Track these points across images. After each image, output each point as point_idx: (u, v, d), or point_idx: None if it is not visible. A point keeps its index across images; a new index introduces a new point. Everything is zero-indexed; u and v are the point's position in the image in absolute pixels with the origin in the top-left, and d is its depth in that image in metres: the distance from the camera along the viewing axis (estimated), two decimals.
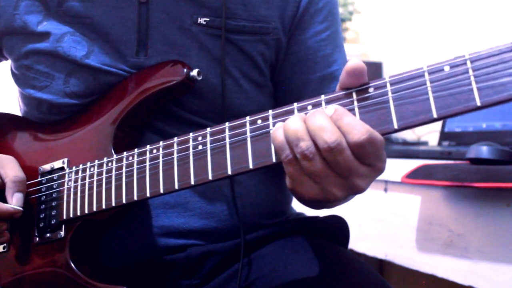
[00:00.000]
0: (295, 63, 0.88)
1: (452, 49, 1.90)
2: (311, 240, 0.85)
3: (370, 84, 0.57)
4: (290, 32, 0.86)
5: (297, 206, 0.98)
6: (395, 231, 1.35)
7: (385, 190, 1.36)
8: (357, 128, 0.55)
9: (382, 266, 1.94)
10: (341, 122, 0.55)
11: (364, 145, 0.55)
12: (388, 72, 2.27)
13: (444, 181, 1.17)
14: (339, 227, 0.91)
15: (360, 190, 0.58)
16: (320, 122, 0.55)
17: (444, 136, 1.58)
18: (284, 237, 0.86)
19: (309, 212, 0.95)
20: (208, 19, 0.81)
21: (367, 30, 2.55)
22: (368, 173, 0.58)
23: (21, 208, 0.78)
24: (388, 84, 0.56)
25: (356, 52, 2.38)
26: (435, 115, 0.54)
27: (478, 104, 0.52)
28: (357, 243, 1.48)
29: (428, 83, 0.54)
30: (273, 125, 0.62)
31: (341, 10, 2.41)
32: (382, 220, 1.40)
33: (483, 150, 1.12)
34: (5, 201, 0.78)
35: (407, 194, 1.31)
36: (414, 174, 1.24)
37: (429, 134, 1.83)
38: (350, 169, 0.56)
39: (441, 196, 1.21)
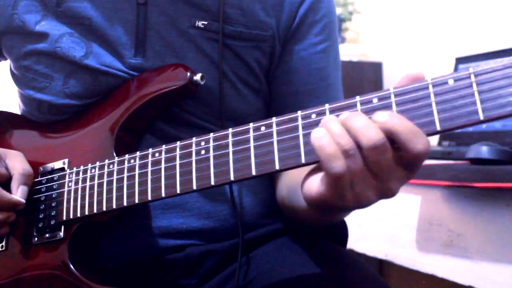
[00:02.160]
0: (287, 73, 0.87)
1: (451, 49, 1.90)
2: (309, 239, 0.85)
3: (374, 95, 0.57)
4: (285, 41, 0.86)
5: None
6: (395, 231, 1.35)
7: None
8: (422, 135, 0.53)
9: (382, 266, 1.94)
10: (400, 128, 0.53)
11: (424, 155, 0.53)
12: (388, 72, 2.28)
13: (444, 181, 1.17)
14: (337, 226, 0.91)
15: (391, 195, 0.57)
16: (363, 121, 0.54)
17: (444, 136, 1.58)
18: (282, 236, 0.86)
19: None
20: (206, 22, 0.81)
21: (367, 30, 2.55)
22: (404, 177, 0.56)
23: (24, 201, 0.78)
24: (392, 96, 0.57)
25: (356, 52, 2.38)
26: (438, 128, 0.54)
27: (481, 118, 0.52)
28: (357, 243, 1.48)
29: (432, 96, 0.55)
30: (277, 132, 0.61)
31: (341, 10, 2.41)
32: (382, 220, 1.40)
33: (483, 150, 1.13)
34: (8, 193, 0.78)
35: (407, 194, 1.31)
36: None
37: None
38: (389, 170, 0.55)
39: (441, 196, 1.21)
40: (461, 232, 1.17)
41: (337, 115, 0.57)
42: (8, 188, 0.78)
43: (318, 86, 0.88)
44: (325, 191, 0.57)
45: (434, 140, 1.76)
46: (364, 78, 2.24)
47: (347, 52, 2.28)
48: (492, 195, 1.10)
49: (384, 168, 0.54)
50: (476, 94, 0.53)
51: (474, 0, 1.94)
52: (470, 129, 1.49)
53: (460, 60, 1.60)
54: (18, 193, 0.78)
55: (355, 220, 1.41)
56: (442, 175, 1.18)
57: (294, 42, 0.86)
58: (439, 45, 2.05)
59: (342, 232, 0.92)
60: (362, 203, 0.57)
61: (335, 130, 0.55)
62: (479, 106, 0.52)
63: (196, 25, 0.81)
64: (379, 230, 1.42)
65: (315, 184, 0.59)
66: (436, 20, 2.10)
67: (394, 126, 0.53)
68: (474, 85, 0.53)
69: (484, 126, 1.44)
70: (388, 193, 0.57)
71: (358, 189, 0.56)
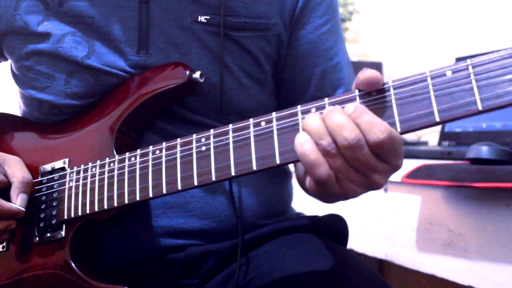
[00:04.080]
0: (298, 58, 0.88)
1: (451, 49, 1.90)
2: (309, 238, 0.85)
3: (374, 89, 0.58)
4: (290, 27, 0.87)
5: (296, 206, 0.99)
6: (395, 231, 1.35)
7: (385, 190, 1.36)
8: (377, 126, 0.55)
9: (382, 266, 1.94)
10: (360, 120, 0.56)
11: (383, 144, 0.55)
12: (388, 72, 2.27)
13: (444, 181, 1.17)
14: (338, 226, 0.92)
15: (378, 186, 0.60)
16: (339, 120, 0.56)
17: (444, 136, 1.58)
18: (282, 236, 0.86)
19: (309, 212, 0.95)
20: (208, 17, 0.82)
21: (367, 30, 2.55)
22: (386, 169, 0.59)
23: (23, 209, 0.78)
24: (391, 88, 0.57)
25: (356, 52, 2.38)
26: (437, 119, 0.55)
27: (480, 108, 0.53)
28: (357, 243, 1.48)
29: (430, 88, 0.55)
30: (277, 127, 0.62)
31: (341, 10, 2.41)
32: (382, 220, 1.40)
33: (483, 150, 1.12)
34: (8, 200, 0.78)
35: (407, 194, 1.31)
36: (414, 174, 1.24)
37: (429, 134, 1.83)
38: (369, 165, 0.57)
39: (441, 196, 1.21)
40: (461, 232, 1.17)
41: (321, 113, 0.59)
42: (6, 195, 0.79)
43: (328, 66, 0.89)
44: (314, 189, 0.60)
45: (434, 140, 1.76)
46: None
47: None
48: (492, 195, 1.10)
49: (364, 163, 0.57)
50: (474, 85, 0.53)
51: (474, 0, 1.94)
52: (470, 129, 1.49)
53: (460, 60, 1.59)
54: (17, 202, 0.78)
55: (355, 220, 1.41)
56: (442, 175, 1.18)
57: (300, 27, 0.87)
58: (439, 45, 2.05)
59: (342, 231, 0.92)
60: (350, 195, 0.61)
61: (316, 132, 0.57)
62: (477, 96, 0.53)
63: (199, 20, 0.82)
64: (379, 230, 1.42)
65: (308, 180, 0.61)
66: (436, 20, 2.10)
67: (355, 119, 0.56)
68: (472, 76, 0.54)
69: (484, 126, 1.44)
70: (373, 186, 0.60)
71: (343, 184, 0.59)
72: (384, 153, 0.57)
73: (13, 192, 0.78)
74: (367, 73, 0.58)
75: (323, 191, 0.60)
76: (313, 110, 0.61)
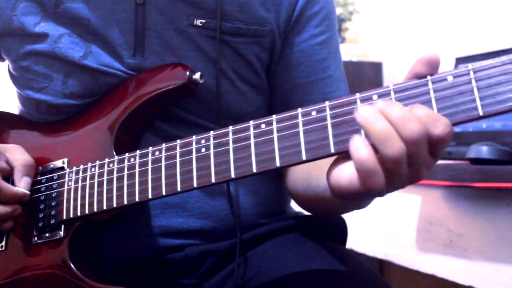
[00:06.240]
0: (289, 66, 0.87)
1: (451, 49, 1.90)
2: (308, 237, 0.85)
3: (374, 92, 0.58)
4: (284, 35, 0.86)
5: (296, 206, 0.98)
6: (395, 231, 1.35)
7: None
8: (440, 120, 0.52)
9: (382, 266, 1.94)
10: (419, 112, 0.52)
11: (448, 138, 0.52)
12: (388, 72, 2.28)
13: (444, 181, 1.17)
14: (337, 225, 0.91)
15: (419, 180, 0.56)
16: (402, 113, 0.52)
17: None
18: (281, 235, 0.86)
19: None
20: (204, 20, 0.81)
21: (367, 30, 2.55)
22: (432, 163, 0.56)
23: (28, 192, 0.78)
24: (392, 92, 0.57)
25: (356, 52, 2.38)
26: None
27: (480, 114, 0.53)
28: (357, 243, 1.48)
29: (431, 92, 0.55)
30: (277, 130, 0.62)
31: (341, 10, 2.41)
32: (382, 220, 1.40)
33: (483, 150, 1.13)
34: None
35: (407, 194, 1.31)
36: None
37: None
38: (425, 160, 0.54)
39: (441, 196, 1.21)
40: (461, 232, 1.17)
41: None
42: (10, 182, 0.79)
43: (320, 77, 0.88)
44: (356, 181, 0.55)
45: None
46: (364, 78, 2.24)
47: (347, 52, 2.28)
48: (492, 195, 1.10)
49: (422, 158, 0.53)
50: (475, 90, 0.53)
51: (474, 0, 1.94)
52: (470, 129, 1.49)
53: (460, 60, 1.59)
54: (21, 185, 0.78)
55: (355, 220, 1.41)
56: (442, 175, 1.18)
57: (294, 35, 0.87)
58: (439, 45, 2.05)
59: (341, 231, 0.92)
60: (391, 191, 0.56)
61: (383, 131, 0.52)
62: (478, 102, 0.53)
63: (194, 23, 0.81)
64: (379, 230, 1.42)
65: (346, 174, 0.56)
66: (436, 20, 2.10)
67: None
68: (473, 81, 0.53)
69: (484, 126, 1.44)
70: (418, 180, 0.56)
71: (392, 179, 0.54)
72: (440, 148, 0.53)
73: (17, 175, 0.79)
74: (427, 54, 0.55)
75: (367, 188, 0.54)
76: (314, 113, 0.60)
